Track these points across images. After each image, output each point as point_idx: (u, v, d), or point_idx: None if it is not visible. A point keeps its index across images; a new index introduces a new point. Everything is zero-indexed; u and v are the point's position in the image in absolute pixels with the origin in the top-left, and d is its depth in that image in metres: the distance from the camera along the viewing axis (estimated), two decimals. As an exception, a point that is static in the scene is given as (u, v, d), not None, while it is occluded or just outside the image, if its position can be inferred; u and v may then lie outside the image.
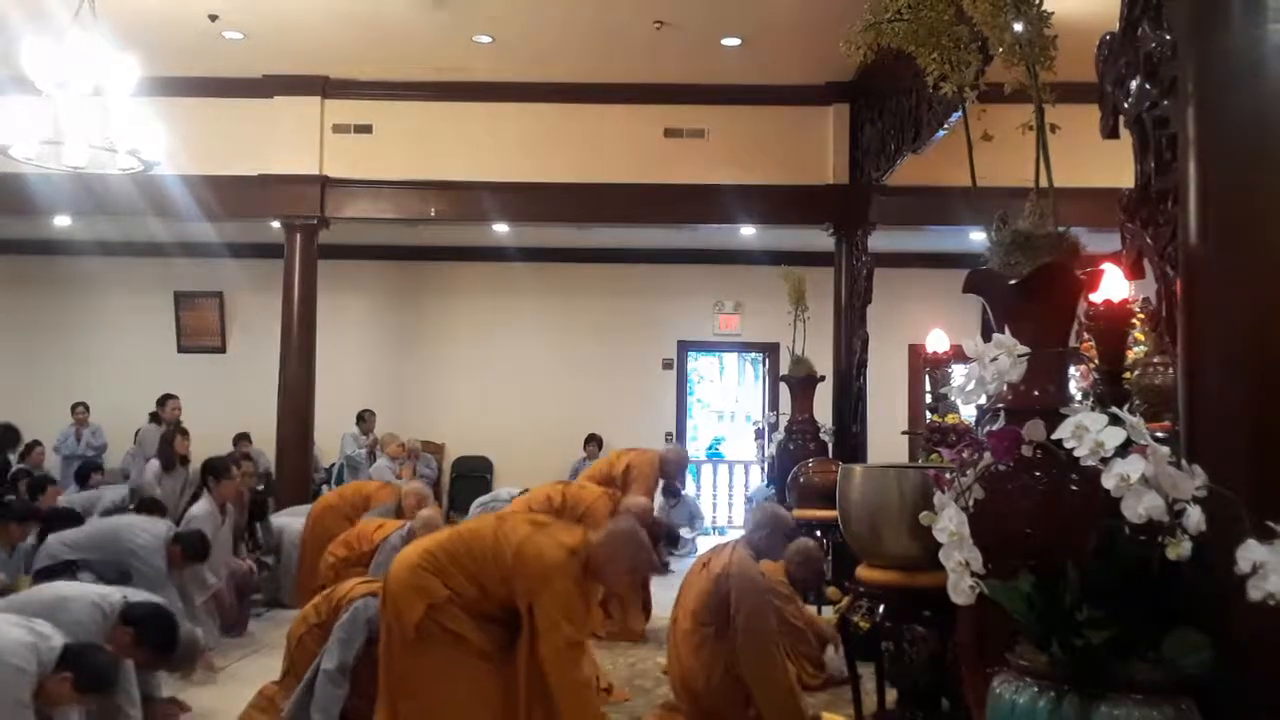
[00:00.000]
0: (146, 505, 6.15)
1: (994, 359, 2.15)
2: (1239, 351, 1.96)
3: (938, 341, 6.16)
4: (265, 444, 8.57)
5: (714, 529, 10.88)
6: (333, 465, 10.04)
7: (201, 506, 6.02)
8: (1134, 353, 3.80)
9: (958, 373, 2.39)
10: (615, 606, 5.18)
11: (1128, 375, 3.30)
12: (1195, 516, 1.80)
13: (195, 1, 6.64)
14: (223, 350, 11.31)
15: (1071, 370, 2.72)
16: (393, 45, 7.37)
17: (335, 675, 4.09)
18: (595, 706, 3.60)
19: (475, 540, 3.59)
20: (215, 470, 6.18)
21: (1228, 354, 1.98)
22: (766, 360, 11.51)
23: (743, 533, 4.64)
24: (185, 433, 7.73)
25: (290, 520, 7.35)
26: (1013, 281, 2.37)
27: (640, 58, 7.54)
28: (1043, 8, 2.45)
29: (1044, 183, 2.45)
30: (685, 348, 11.59)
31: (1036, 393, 2.32)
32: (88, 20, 5.23)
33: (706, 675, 4.25)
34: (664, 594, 5.23)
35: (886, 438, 8.38)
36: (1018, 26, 2.42)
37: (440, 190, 8.19)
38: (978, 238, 3.08)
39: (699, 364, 11.95)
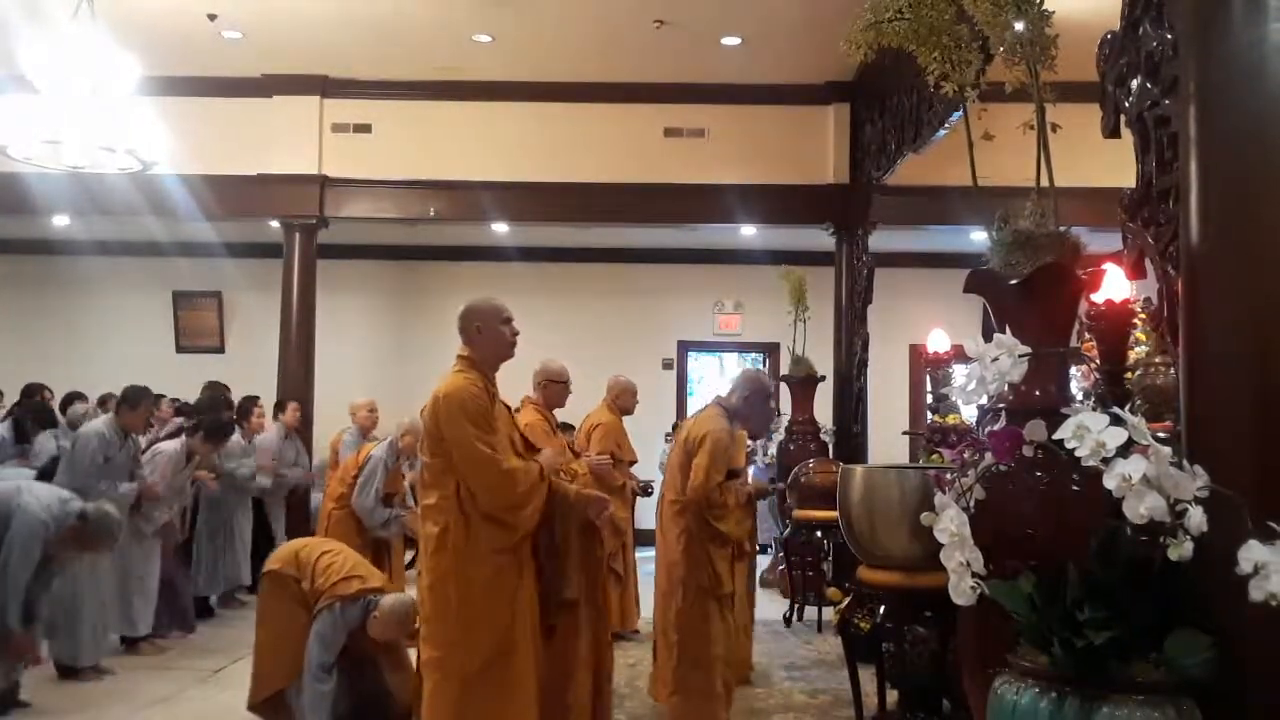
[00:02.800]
0: None
1: (995, 359, 2.14)
2: (1240, 351, 1.95)
3: (938, 341, 6.14)
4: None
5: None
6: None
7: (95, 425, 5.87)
8: (1135, 353, 3.79)
9: (959, 373, 2.39)
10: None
11: (1129, 375, 3.30)
12: (1197, 517, 1.79)
13: (194, 1, 6.63)
14: (221, 350, 11.29)
15: (1073, 370, 2.72)
16: (392, 44, 7.36)
17: (319, 674, 4.17)
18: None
19: None
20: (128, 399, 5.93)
21: (1229, 354, 1.97)
22: (766, 360, 11.49)
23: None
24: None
25: None
26: (1014, 281, 2.37)
27: (640, 57, 7.53)
28: (1043, 7, 2.44)
29: (1045, 182, 2.45)
30: (685, 348, 11.57)
31: (1038, 393, 2.32)
32: (86, 19, 5.23)
33: (676, 543, 4.35)
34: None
35: (887, 438, 8.37)
36: (1018, 25, 2.42)
37: (439, 190, 8.18)
38: (979, 237, 3.07)
39: (699, 364, 11.93)
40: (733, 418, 4.48)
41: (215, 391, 7.55)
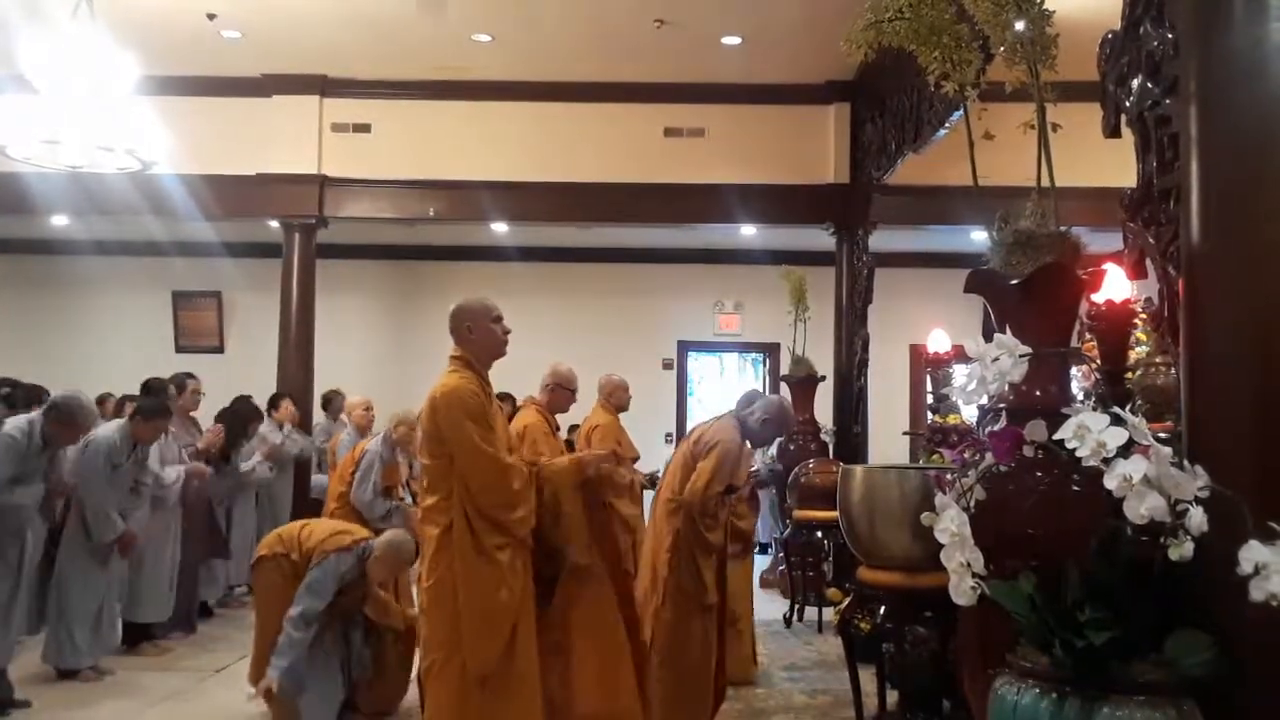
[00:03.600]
0: None
1: (995, 359, 2.14)
2: (1241, 351, 1.95)
3: (939, 341, 6.16)
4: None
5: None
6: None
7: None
8: (1136, 353, 3.79)
9: (959, 373, 2.38)
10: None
11: (1130, 375, 3.30)
12: (1197, 517, 1.79)
13: (194, 1, 6.62)
14: (221, 350, 11.29)
15: (1073, 370, 2.72)
16: (391, 44, 7.35)
17: (298, 621, 4.22)
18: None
19: None
20: (143, 412, 5.72)
21: (1230, 354, 1.97)
22: (767, 360, 11.49)
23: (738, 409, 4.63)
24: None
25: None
26: (1014, 281, 2.36)
27: (640, 57, 7.52)
28: (1044, 6, 2.44)
29: (1045, 182, 2.45)
30: (685, 348, 11.57)
31: (1038, 393, 2.31)
32: (86, 19, 5.22)
33: (664, 541, 4.33)
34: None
35: (887, 438, 8.37)
36: (1019, 25, 2.41)
37: (439, 190, 8.17)
38: (979, 237, 3.07)
39: (699, 364, 11.92)
40: (745, 434, 4.49)
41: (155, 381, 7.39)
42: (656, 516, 4.53)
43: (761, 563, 8.89)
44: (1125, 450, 1.85)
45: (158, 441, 5.94)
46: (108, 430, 5.72)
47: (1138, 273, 2.47)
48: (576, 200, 8.15)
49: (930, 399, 7.29)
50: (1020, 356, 2.14)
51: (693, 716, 4.30)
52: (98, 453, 5.47)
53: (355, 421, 7.81)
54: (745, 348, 11.80)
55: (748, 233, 9.84)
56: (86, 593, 5.35)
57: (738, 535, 5.26)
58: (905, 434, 8.82)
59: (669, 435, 10.94)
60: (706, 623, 4.34)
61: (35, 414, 5.01)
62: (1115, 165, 2.84)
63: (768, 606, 7.27)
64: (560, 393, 5.16)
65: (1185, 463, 1.88)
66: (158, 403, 5.88)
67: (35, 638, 5.42)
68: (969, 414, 5.72)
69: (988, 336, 2.22)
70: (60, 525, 5.55)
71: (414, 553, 4.43)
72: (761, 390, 4.94)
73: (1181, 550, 1.79)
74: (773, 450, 8.51)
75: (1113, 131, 2.52)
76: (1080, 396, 3.37)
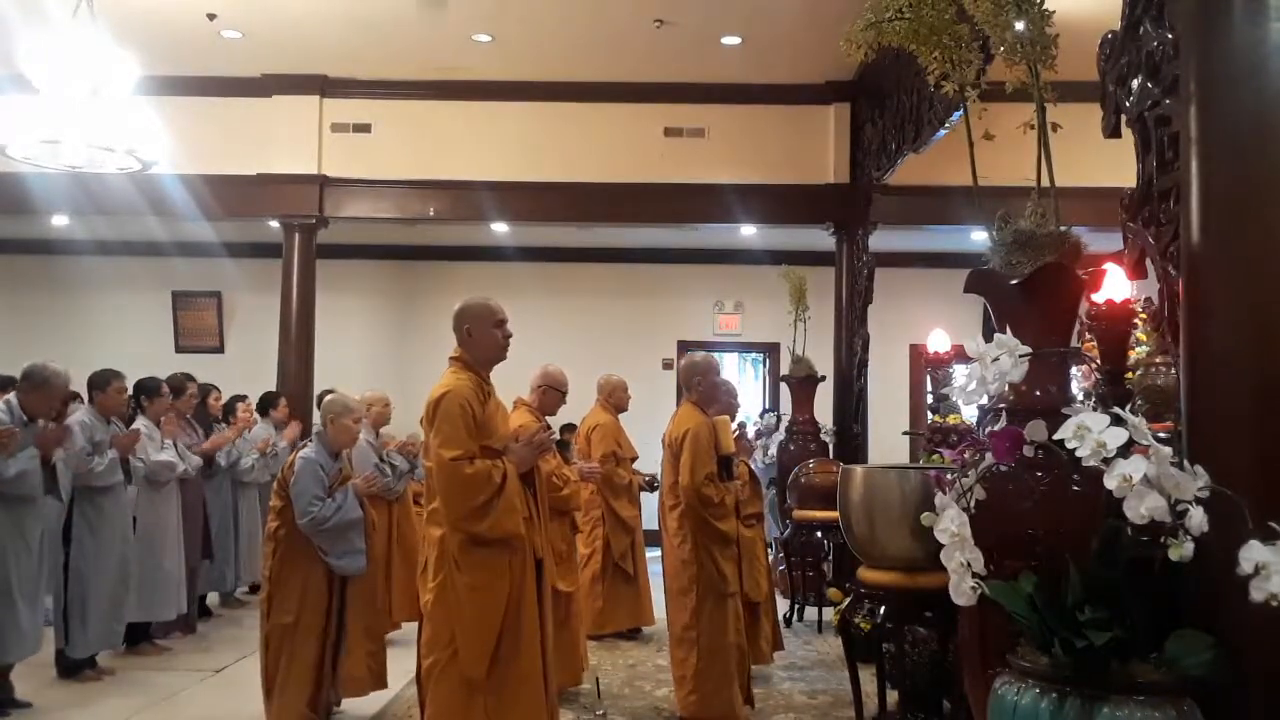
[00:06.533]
0: None
1: (995, 359, 2.14)
2: (1241, 351, 1.95)
3: (939, 341, 6.15)
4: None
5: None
6: None
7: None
8: (1136, 353, 3.79)
9: (959, 373, 2.38)
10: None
11: (1130, 375, 3.29)
12: (1197, 517, 1.79)
13: (194, 1, 6.62)
14: (221, 351, 11.28)
15: (1073, 370, 2.72)
16: (391, 44, 7.35)
17: (317, 520, 4.26)
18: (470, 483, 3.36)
19: None
20: (147, 390, 6.23)
21: (1230, 353, 1.97)
22: (766, 360, 11.49)
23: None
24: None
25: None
26: (1014, 281, 2.36)
27: (640, 57, 7.53)
28: (1044, 6, 2.44)
29: (1045, 182, 2.45)
30: (685, 348, 11.55)
31: (1038, 393, 2.31)
32: (86, 19, 5.22)
33: (680, 547, 4.44)
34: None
35: (888, 438, 8.36)
36: (1019, 25, 2.41)
37: (439, 190, 8.18)
38: (979, 237, 3.06)
39: (699, 364, 11.91)
40: (704, 408, 4.52)
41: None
42: (668, 526, 4.57)
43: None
44: (1125, 450, 1.85)
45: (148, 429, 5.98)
46: (77, 416, 5.69)
47: (1138, 273, 2.47)
48: (576, 200, 8.15)
49: (930, 399, 7.30)
50: (1020, 356, 2.14)
51: (731, 693, 4.34)
52: (75, 439, 5.44)
53: (372, 419, 7.77)
54: (745, 348, 11.79)
55: (748, 233, 9.84)
56: (99, 576, 5.34)
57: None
58: (905, 434, 8.81)
59: (669, 435, 10.93)
60: (735, 607, 4.44)
61: (10, 395, 5.04)
62: (1115, 165, 2.85)
63: (768, 606, 7.27)
64: (551, 394, 5.18)
65: (1185, 463, 1.88)
66: (105, 372, 5.90)
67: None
68: (969, 414, 5.71)
69: (988, 336, 2.22)
70: (69, 519, 5.51)
71: (358, 405, 4.63)
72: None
73: (1181, 550, 1.79)
74: (773, 450, 8.53)
75: (1113, 131, 2.52)
76: (1080, 396, 3.37)
